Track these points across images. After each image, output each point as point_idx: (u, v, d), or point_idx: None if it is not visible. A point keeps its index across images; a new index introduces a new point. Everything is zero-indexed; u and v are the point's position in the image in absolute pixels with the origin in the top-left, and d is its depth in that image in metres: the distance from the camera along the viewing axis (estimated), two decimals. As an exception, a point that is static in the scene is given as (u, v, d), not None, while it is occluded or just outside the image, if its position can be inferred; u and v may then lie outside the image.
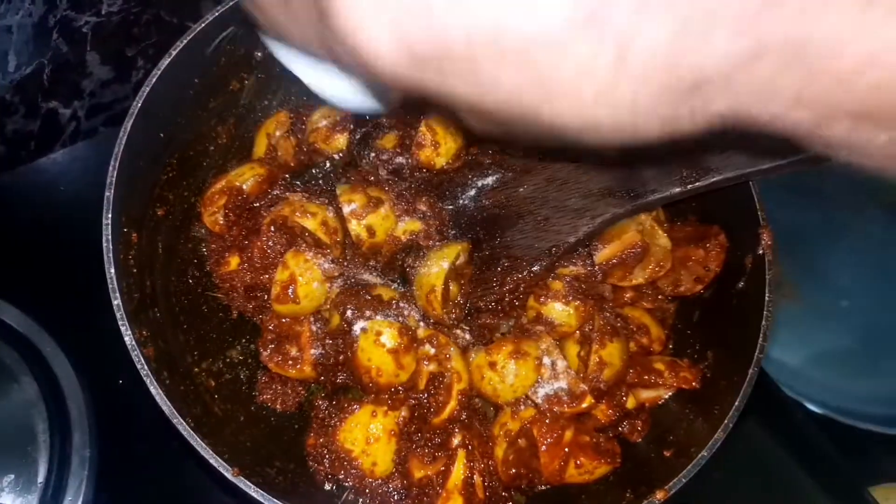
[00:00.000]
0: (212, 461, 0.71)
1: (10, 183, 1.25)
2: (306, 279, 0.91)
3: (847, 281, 1.43)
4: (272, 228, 0.93)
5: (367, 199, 0.93)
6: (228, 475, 0.70)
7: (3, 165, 1.29)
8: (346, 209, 0.93)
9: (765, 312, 0.81)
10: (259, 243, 0.93)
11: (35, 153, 1.32)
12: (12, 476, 1.00)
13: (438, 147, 1.00)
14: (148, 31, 1.33)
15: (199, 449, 0.71)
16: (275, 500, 0.70)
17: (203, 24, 0.88)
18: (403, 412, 0.88)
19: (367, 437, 0.86)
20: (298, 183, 0.99)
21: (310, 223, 0.92)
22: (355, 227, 0.93)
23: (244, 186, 0.98)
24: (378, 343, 0.85)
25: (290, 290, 0.90)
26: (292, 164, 1.03)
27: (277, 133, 1.03)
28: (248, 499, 1.02)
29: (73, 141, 1.38)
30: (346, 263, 0.95)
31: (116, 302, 0.75)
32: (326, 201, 0.96)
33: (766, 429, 1.12)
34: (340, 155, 1.01)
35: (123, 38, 1.32)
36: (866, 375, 1.32)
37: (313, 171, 0.99)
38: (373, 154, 0.99)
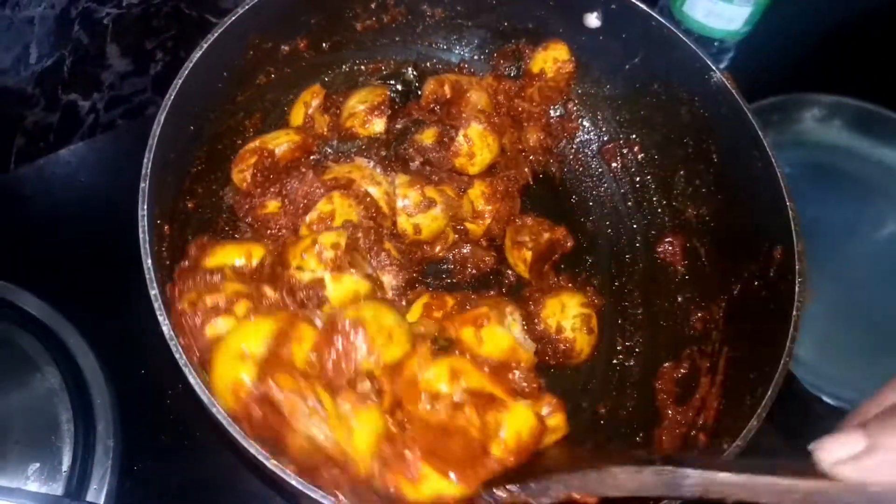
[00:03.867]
0: (251, 449, 0.71)
1: (30, 175, 1.25)
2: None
3: (861, 275, 1.43)
4: (329, 184, 0.92)
5: (422, 198, 0.95)
6: (268, 463, 0.71)
7: (23, 158, 1.30)
8: (400, 203, 0.94)
9: (795, 302, 0.82)
10: (305, 188, 0.92)
11: (54, 145, 1.32)
12: (37, 464, 1.01)
13: (473, 157, 1.02)
14: (168, 23, 1.33)
15: (238, 438, 0.71)
16: (312, 487, 0.70)
17: (236, 16, 0.88)
18: None
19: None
20: (330, 151, 0.99)
21: (376, 191, 0.93)
22: (403, 222, 0.95)
23: (276, 150, 0.98)
24: None
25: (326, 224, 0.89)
26: (328, 137, 1.03)
27: (314, 103, 1.03)
28: (273, 487, 1.04)
29: (92, 134, 1.37)
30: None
31: (154, 293, 0.74)
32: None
33: (782, 421, 1.13)
34: (377, 138, 1.01)
35: (143, 31, 1.32)
36: (881, 369, 1.31)
37: (348, 144, 1.00)
38: (411, 149, 1.00)
